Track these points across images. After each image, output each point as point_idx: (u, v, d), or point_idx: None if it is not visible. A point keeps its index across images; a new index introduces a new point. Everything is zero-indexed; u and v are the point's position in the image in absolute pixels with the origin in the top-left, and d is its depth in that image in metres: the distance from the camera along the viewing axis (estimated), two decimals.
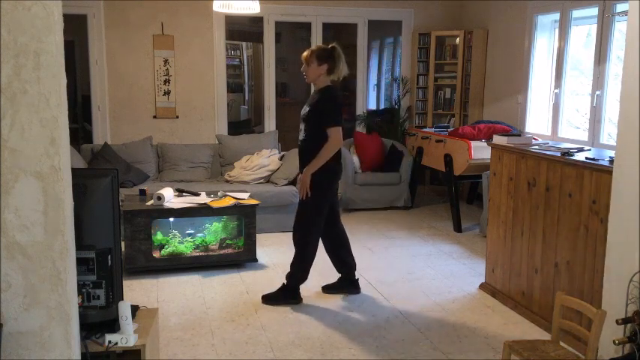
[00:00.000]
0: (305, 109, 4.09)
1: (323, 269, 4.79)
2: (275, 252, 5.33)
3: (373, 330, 3.81)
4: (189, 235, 4.98)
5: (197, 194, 5.15)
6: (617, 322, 2.42)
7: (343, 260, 4.38)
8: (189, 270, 4.85)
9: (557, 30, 6.20)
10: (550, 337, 2.92)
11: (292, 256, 4.18)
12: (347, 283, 4.42)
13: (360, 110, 8.05)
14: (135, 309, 2.57)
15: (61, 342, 2.04)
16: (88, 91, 7.29)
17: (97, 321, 2.36)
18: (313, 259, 4.25)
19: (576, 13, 5.92)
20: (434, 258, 5.31)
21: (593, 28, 5.62)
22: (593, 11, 5.58)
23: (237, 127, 9.12)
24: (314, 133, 4.00)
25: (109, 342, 2.32)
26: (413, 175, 7.08)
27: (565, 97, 6.15)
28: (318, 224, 4.17)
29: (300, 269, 4.22)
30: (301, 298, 4.24)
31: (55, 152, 1.96)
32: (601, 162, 3.34)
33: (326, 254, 4.32)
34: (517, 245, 4.12)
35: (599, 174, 3.31)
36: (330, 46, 4.07)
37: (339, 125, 3.98)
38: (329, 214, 4.24)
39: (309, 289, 4.46)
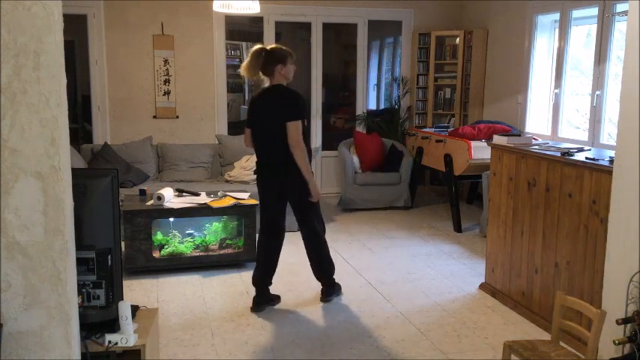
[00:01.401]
0: None
1: None
2: None
3: (373, 330, 3.81)
4: (189, 235, 4.98)
5: (197, 194, 5.15)
6: (617, 322, 2.42)
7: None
8: (189, 270, 4.85)
9: (557, 30, 6.20)
10: (550, 337, 2.91)
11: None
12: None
13: (360, 110, 8.05)
14: (135, 309, 2.57)
15: (61, 342, 2.04)
16: (88, 91, 7.29)
17: (97, 321, 2.36)
18: (260, 257, 4.16)
19: (576, 13, 5.92)
20: (434, 258, 5.31)
21: (593, 28, 5.62)
22: (593, 11, 5.58)
23: (237, 127, 9.11)
24: None
25: (109, 342, 2.32)
26: (413, 175, 7.08)
27: (565, 97, 6.15)
28: (261, 221, 4.15)
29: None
30: (263, 303, 4.11)
31: (55, 152, 1.96)
32: (601, 162, 3.34)
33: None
34: (517, 245, 4.12)
35: (599, 174, 3.31)
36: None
37: (247, 127, 4.04)
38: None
39: (310, 289, 4.47)
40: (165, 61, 7.15)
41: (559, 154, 3.69)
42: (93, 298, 2.35)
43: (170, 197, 4.96)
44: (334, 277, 4.34)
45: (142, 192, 5.19)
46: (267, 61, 3.88)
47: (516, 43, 6.75)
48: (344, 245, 5.63)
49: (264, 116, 3.91)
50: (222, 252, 4.97)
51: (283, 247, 5.07)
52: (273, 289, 4.26)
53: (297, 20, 7.84)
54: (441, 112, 7.86)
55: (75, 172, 2.12)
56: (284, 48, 3.98)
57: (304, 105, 3.98)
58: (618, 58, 5.32)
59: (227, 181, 6.32)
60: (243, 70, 3.95)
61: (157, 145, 6.63)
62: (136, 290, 4.43)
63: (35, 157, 1.95)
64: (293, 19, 7.78)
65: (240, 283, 4.64)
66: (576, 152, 3.73)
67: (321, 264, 4.23)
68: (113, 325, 2.39)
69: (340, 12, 7.69)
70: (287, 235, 4.56)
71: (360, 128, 7.91)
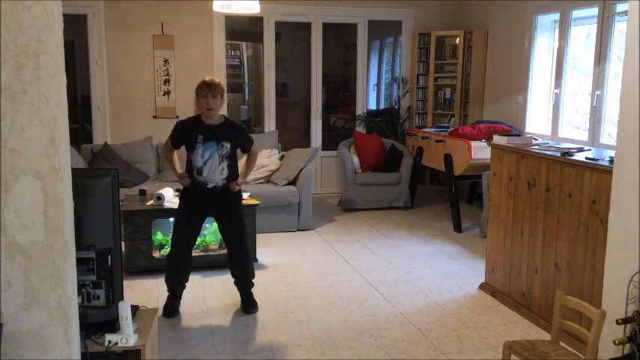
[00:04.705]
0: (225, 146, 3.94)
1: (323, 269, 4.79)
2: (275, 252, 5.33)
3: (373, 330, 3.81)
4: None
5: None
6: (617, 322, 2.42)
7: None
8: None
9: (557, 30, 6.20)
10: (550, 337, 2.91)
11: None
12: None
13: (360, 110, 8.05)
14: (135, 309, 2.57)
15: (61, 342, 2.04)
16: (88, 91, 7.29)
17: (97, 321, 2.36)
18: (169, 269, 4.00)
19: (576, 13, 5.92)
20: (434, 258, 5.31)
21: (593, 28, 5.62)
22: (593, 11, 5.58)
23: None
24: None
25: (109, 342, 2.32)
26: (413, 175, 7.08)
27: (565, 97, 6.15)
28: (175, 230, 4.07)
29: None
30: (170, 312, 3.97)
31: (55, 152, 1.96)
32: (601, 162, 3.34)
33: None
34: (517, 245, 4.12)
35: (599, 174, 3.31)
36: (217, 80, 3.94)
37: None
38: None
39: (310, 289, 4.46)
40: (165, 61, 7.15)
41: (559, 154, 3.69)
42: (93, 298, 2.35)
43: (170, 197, 4.96)
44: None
45: (142, 192, 5.19)
46: None
47: (516, 43, 6.75)
48: (344, 245, 5.62)
49: None
50: (222, 252, 4.96)
51: (284, 247, 5.09)
52: (272, 289, 4.26)
53: (297, 20, 7.84)
54: (441, 112, 7.86)
55: (75, 172, 2.12)
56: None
57: (175, 129, 4.05)
58: (618, 58, 5.32)
59: None
60: None
61: (157, 145, 6.63)
62: (136, 290, 4.43)
63: (35, 157, 1.95)
64: (293, 19, 7.78)
65: None
66: (576, 152, 3.74)
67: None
68: (113, 325, 2.39)
69: (340, 12, 7.69)
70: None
71: (360, 128, 7.91)
